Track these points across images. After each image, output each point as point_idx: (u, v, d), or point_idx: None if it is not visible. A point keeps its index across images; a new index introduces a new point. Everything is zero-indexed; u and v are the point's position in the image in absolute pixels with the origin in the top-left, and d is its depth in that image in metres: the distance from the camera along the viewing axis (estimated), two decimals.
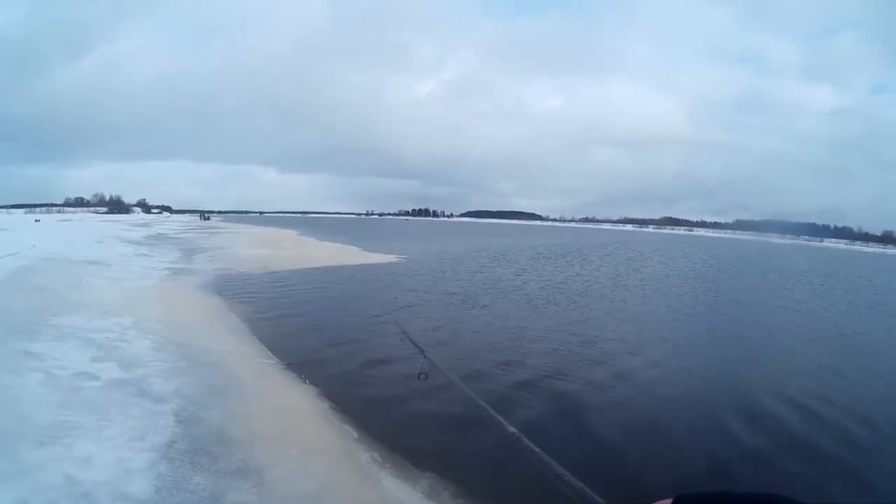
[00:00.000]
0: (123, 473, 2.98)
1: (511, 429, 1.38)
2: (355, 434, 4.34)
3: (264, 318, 8.36)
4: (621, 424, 4.89)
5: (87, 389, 4.19)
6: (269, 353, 6.33)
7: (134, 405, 4.07)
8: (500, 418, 1.44)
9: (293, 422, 4.40)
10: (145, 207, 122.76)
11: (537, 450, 1.19)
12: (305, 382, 5.32)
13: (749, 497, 0.60)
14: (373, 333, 7.69)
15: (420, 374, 2.32)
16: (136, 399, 4.19)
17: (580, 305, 11.18)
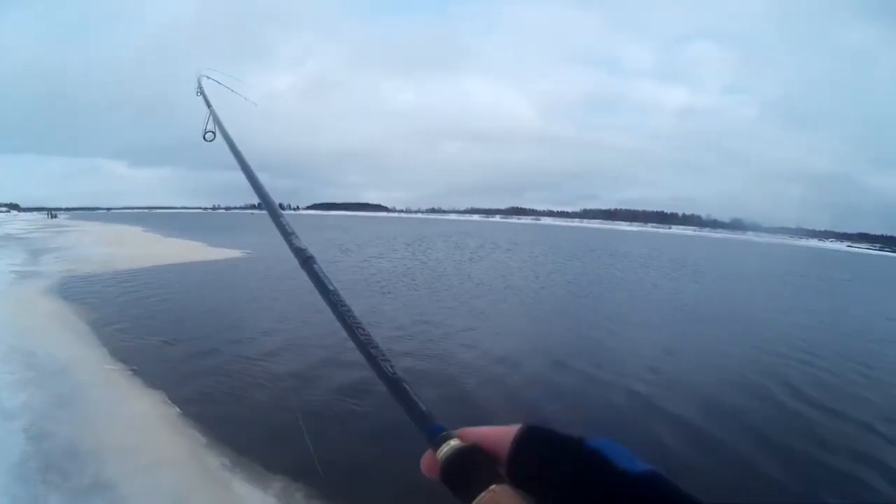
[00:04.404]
0: None
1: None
2: (203, 440, 4.61)
3: (109, 321, 8.39)
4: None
5: None
6: (115, 359, 6.38)
7: None
8: None
9: (142, 431, 4.54)
10: None
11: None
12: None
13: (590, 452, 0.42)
14: (211, 329, 8.27)
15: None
16: None
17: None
